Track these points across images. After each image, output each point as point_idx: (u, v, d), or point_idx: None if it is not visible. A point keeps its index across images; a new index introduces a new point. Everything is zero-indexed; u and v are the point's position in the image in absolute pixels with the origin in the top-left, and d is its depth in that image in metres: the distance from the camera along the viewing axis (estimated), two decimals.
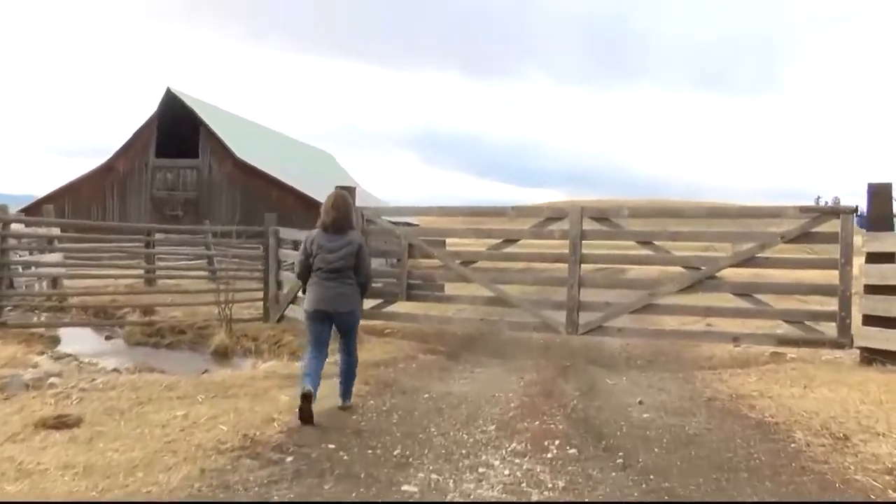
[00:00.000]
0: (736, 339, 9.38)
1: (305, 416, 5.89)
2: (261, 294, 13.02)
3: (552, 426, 5.89)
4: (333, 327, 6.55)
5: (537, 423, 5.99)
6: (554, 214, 10.16)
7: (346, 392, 6.70)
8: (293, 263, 12.26)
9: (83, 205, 41.39)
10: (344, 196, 6.68)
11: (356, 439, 5.58)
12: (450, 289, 11.17)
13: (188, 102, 40.25)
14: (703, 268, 9.41)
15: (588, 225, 9.94)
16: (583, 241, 9.89)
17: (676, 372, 9.08)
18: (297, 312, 12.34)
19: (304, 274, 6.54)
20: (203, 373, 9.98)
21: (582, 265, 9.95)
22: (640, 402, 6.96)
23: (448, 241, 10.99)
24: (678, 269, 10.14)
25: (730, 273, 9.75)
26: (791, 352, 9.34)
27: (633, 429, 5.97)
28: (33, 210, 41.81)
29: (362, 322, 7.67)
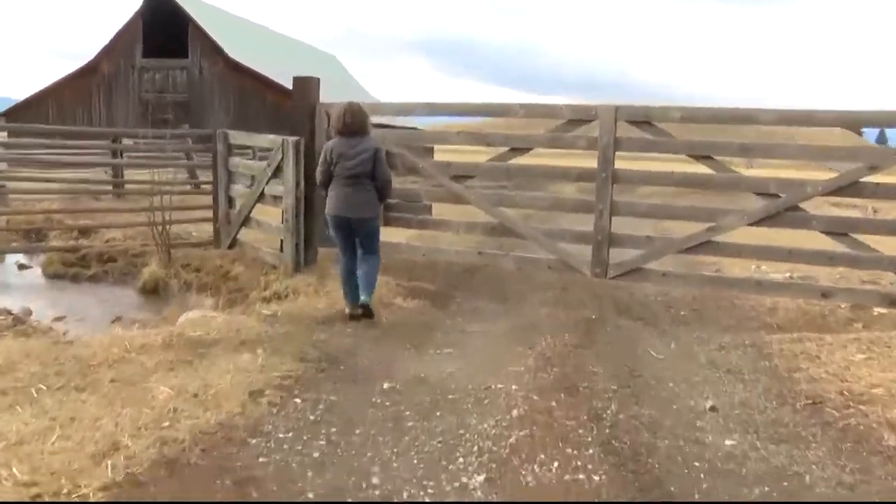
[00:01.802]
0: (826, 294, 6.86)
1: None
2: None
3: (581, 474, 3.43)
4: None
5: (556, 463, 3.53)
6: (578, 116, 7.53)
7: (366, 289, 6.80)
8: (247, 175, 9.77)
9: (68, 108, 38.95)
10: (357, 103, 6.89)
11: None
12: (439, 212, 8.67)
13: None
14: (782, 195, 6.83)
15: (624, 131, 7.35)
16: (617, 153, 7.33)
17: (738, 333, 6.69)
18: (251, 236, 9.94)
19: (326, 182, 6.82)
20: (113, 321, 7.67)
21: (615, 185, 7.40)
22: (713, 409, 4.50)
23: (438, 149, 8.41)
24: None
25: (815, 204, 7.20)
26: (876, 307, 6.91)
27: (718, 478, 3.52)
28: (13, 114, 39.38)
29: (329, 253, 8.22)
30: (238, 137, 10.04)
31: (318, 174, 6.90)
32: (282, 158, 8.68)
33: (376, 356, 5.52)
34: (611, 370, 5.28)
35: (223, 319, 6.35)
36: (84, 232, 11.84)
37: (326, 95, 8.93)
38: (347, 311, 6.76)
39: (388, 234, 9.00)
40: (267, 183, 9.13)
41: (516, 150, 7.88)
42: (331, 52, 62.94)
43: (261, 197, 9.31)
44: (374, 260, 6.93)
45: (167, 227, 9.76)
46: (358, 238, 6.84)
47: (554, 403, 4.38)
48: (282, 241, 8.91)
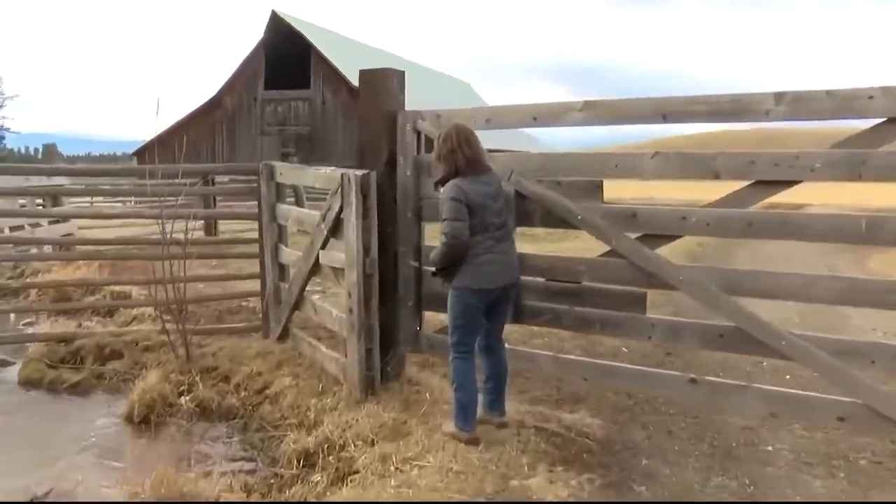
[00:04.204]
0: None
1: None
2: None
3: None
4: None
5: None
6: None
7: (500, 399, 4.76)
8: (306, 224, 6.24)
9: (192, 145, 37.58)
10: (464, 126, 4.54)
11: None
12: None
13: (296, 26, 35.19)
14: None
15: None
16: None
17: None
18: (313, 320, 6.55)
19: (468, 244, 4.30)
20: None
21: None
22: None
23: (608, 185, 4.67)
24: None
25: None
26: None
27: None
28: (143, 154, 38.41)
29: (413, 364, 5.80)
30: (289, 175, 6.58)
31: (462, 228, 4.29)
32: (341, 207, 5.18)
33: None
34: None
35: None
36: (112, 309, 8.74)
37: None
38: (465, 435, 4.41)
39: (517, 334, 5.48)
40: (323, 246, 5.65)
41: (767, 185, 4.03)
42: (465, 79, 60.06)
43: (315, 267, 5.84)
44: (505, 351, 4.83)
45: (184, 308, 6.40)
46: (497, 314, 4.64)
47: None
48: (345, 341, 5.40)
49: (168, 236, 6.44)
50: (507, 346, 4.90)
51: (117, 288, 9.31)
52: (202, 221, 15.14)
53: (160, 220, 6.39)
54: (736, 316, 4.10)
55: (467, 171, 4.36)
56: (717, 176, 4.09)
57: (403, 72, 5.41)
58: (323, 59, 34.54)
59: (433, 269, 4.54)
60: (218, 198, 16.49)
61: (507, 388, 4.83)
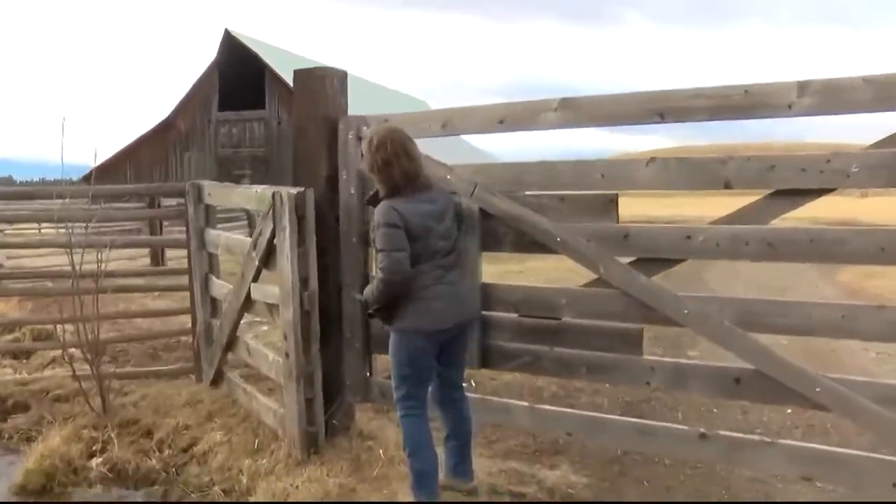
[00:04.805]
0: None
1: None
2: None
3: None
4: None
5: None
6: None
7: (466, 460, 3.92)
8: (243, 250, 5.35)
9: (145, 169, 36.62)
10: (401, 130, 3.72)
11: None
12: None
13: (250, 45, 34.40)
14: None
15: None
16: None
17: None
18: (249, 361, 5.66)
19: (410, 277, 3.52)
20: None
21: None
22: None
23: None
24: None
25: None
26: None
27: None
28: (89, 179, 37.22)
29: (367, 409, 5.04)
30: (219, 195, 5.72)
31: (402, 260, 3.50)
32: (273, 231, 4.34)
33: None
34: None
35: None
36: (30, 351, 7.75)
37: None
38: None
39: (481, 376, 4.68)
40: (255, 278, 4.81)
41: (790, 195, 3.28)
42: (422, 98, 59.40)
43: (247, 302, 4.99)
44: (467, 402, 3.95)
45: (99, 350, 5.50)
46: (454, 359, 3.81)
47: None
48: (283, 389, 4.56)
49: (79, 267, 5.52)
50: (473, 394, 4.11)
51: (39, 326, 8.34)
52: (148, 249, 14.24)
53: (69, 250, 5.47)
54: (756, 357, 3.32)
55: (405, 188, 3.59)
56: (727, 185, 3.32)
57: (345, 72, 4.62)
58: (278, 79, 33.75)
59: (369, 308, 3.73)
60: (165, 223, 15.56)
61: (473, 444, 4.02)
